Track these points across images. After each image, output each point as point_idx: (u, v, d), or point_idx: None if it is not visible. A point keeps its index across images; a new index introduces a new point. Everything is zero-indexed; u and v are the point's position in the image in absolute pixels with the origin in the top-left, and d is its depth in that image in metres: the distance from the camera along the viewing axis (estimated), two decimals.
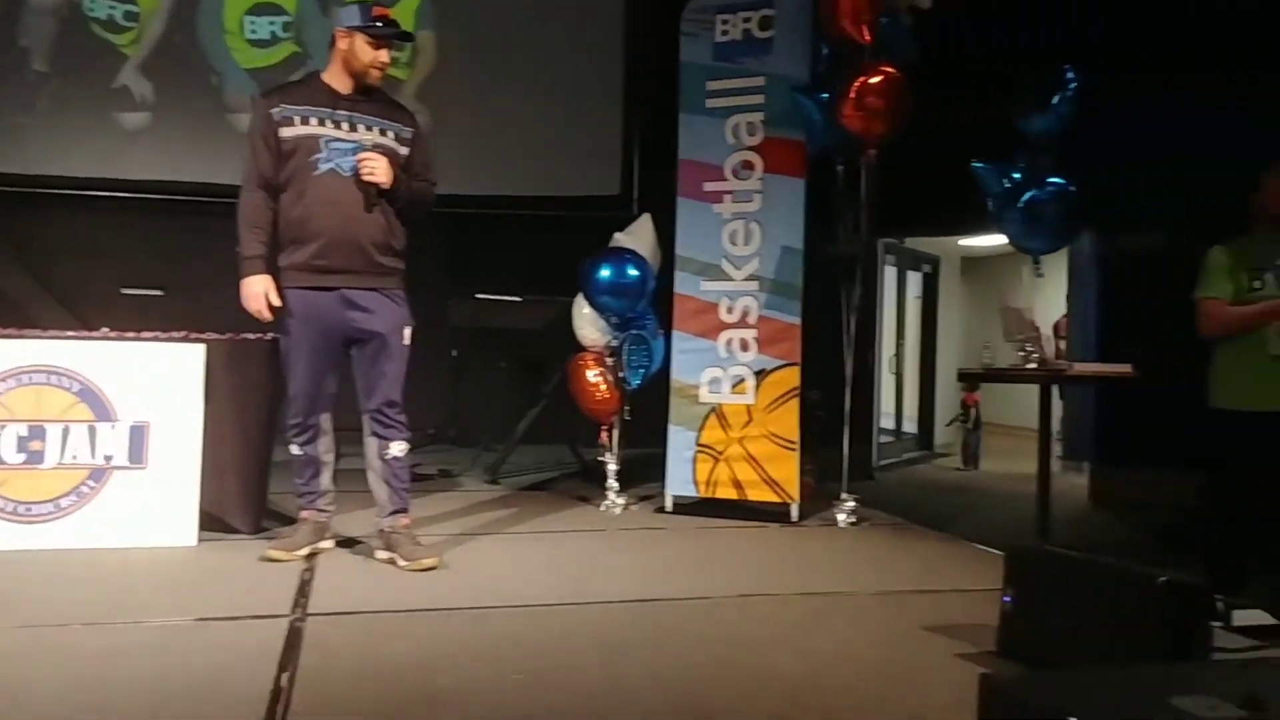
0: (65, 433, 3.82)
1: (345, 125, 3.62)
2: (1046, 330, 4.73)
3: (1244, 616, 3.21)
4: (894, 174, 4.74)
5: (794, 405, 4.77)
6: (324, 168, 3.59)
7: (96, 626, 2.95)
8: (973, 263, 11.41)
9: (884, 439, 8.66)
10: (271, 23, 7.09)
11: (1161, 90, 6.14)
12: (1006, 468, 8.40)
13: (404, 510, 3.76)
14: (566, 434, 6.06)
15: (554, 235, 6.88)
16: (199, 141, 6.81)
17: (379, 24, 3.61)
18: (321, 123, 3.61)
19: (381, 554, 3.75)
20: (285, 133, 3.59)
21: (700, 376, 4.94)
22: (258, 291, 3.62)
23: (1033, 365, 4.46)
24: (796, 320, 4.84)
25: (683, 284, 5.05)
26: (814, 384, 5.31)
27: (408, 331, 3.76)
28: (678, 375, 5.00)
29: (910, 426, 9.23)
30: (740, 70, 5.00)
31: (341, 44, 3.64)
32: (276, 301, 3.64)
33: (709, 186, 5.03)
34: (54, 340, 3.97)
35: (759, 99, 4.96)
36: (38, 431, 3.81)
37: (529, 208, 7.34)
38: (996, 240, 4.71)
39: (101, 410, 3.86)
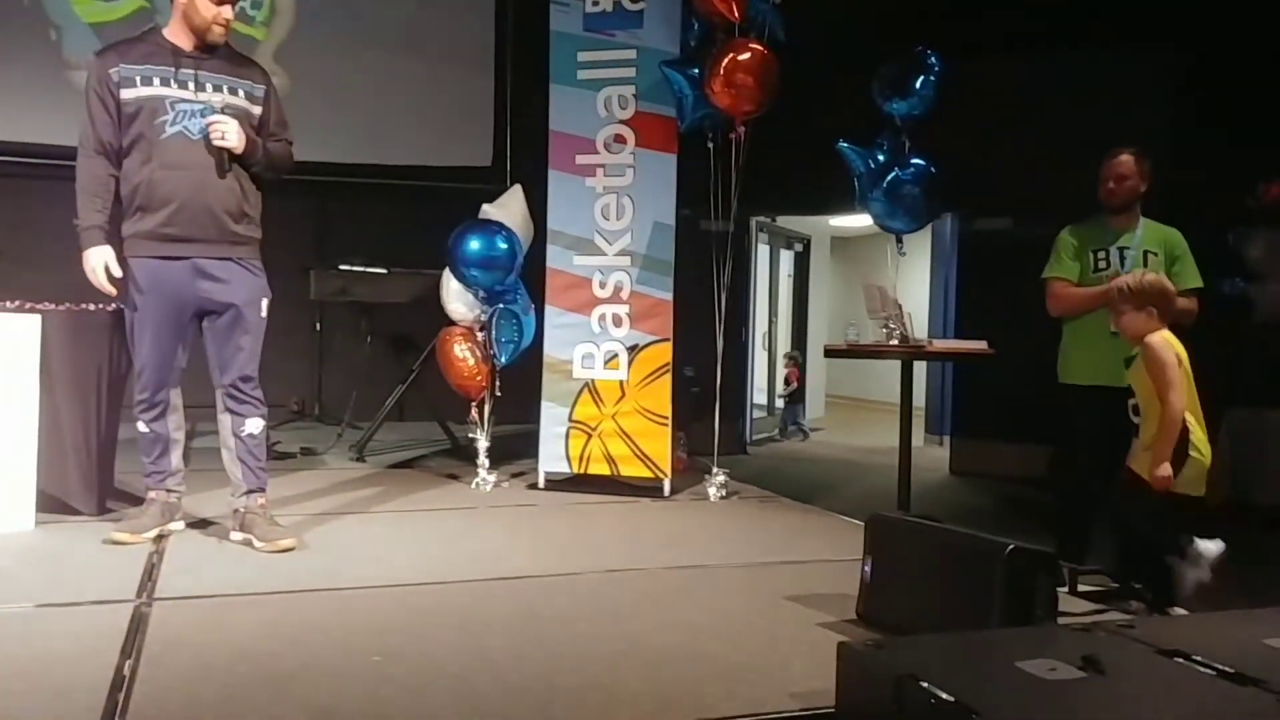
0: None
1: (191, 85, 3.43)
2: (910, 308, 4.86)
3: (1088, 582, 3.39)
4: (766, 153, 4.78)
5: (666, 381, 4.79)
6: (171, 131, 3.40)
7: None
8: (843, 242, 11.69)
9: (757, 414, 8.81)
10: None
11: (1022, 73, 6.41)
12: (872, 442, 8.67)
13: (261, 490, 3.61)
14: (435, 410, 5.94)
15: (423, 206, 6.71)
16: (35, 99, 6.34)
17: None
18: (166, 83, 3.41)
19: (236, 535, 3.59)
20: (126, 94, 3.38)
21: (573, 352, 4.90)
22: (96, 264, 3.44)
23: (895, 342, 4.58)
24: (669, 296, 4.84)
25: (555, 258, 4.98)
26: (687, 360, 5.34)
27: (264, 303, 3.59)
28: (550, 351, 4.95)
29: (782, 403, 9.41)
30: (612, 43, 4.95)
31: None
32: (118, 272, 3.45)
33: (581, 160, 4.97)
34: None
35: (630, 72, 4.92)
36: None
37: (396, 177, 7.13)
38: (865, 220, 4.80)
39: None
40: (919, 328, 5.51)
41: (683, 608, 3.07)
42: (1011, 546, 2.62)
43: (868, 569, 2.94)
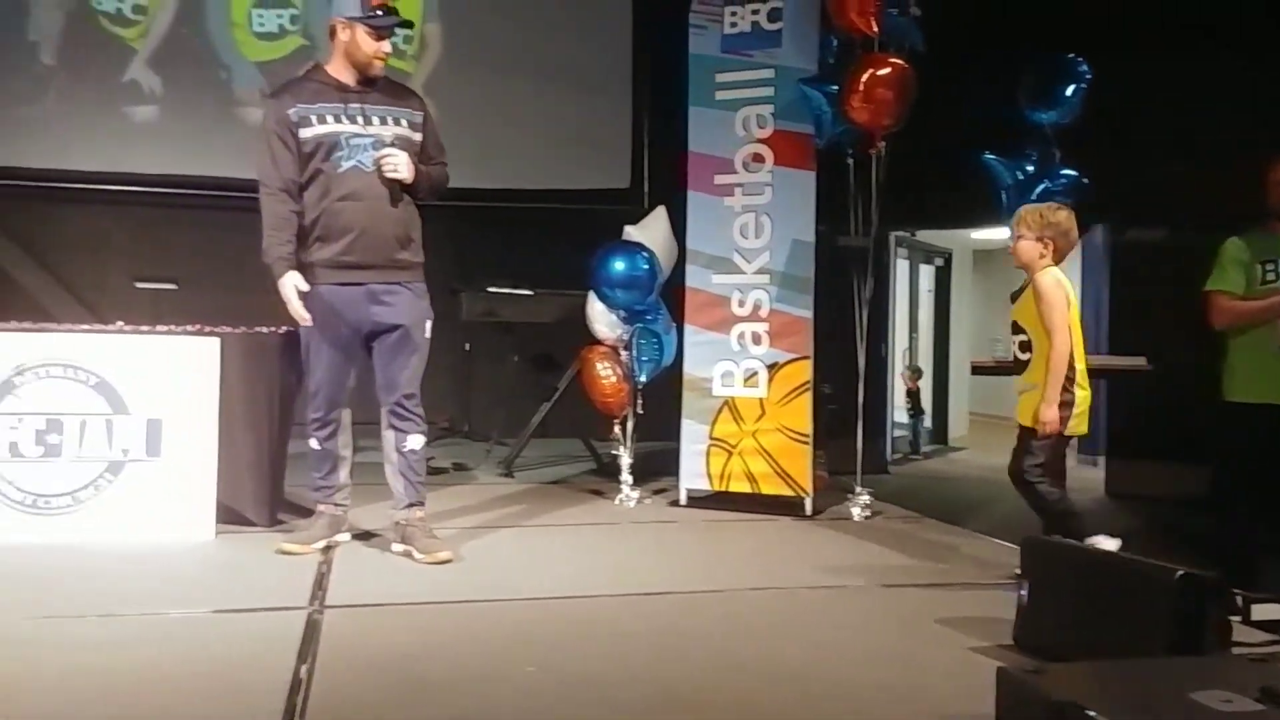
0: (83, 426, 3.85)
1: (360, 119, 3.62)
2: None
3: (1263, 611, 3.21)
4: (905, 166, 4.73)
5: (806, 399, 4.77)
6: (346, 166, 3.60)
7: (114, 618, 2.97)
8: (986, 255, 11.36)
9: (898, 432, 8.64)
10: (279, 15, 7.08)
11: (1174, 80, 6.13)
12: None
13: (420, 503, 3.77)
14: (579, 428, 6.07)
15: (566, 228, 6.87)
16: (208, 135, 6.80)
17: (378, 13, 3.58)
18: (338, 119, 3.60)
19: (397, 547, 3.77)
20: (305, 134, 3.58)
21: (712, 370, 4.95)
22: (290, 293, 3.57)
23: None
24: (808, 314, 4.83)
25: (693, 277, 5.04)
26: (827, 377, 5.30)
27: (428, 325, 3.78)
28: (690, 369, 5.00)
29: (925, 420, 9.20)
30: (749, 63, 4.99)
31: (342, 35, 3.61)
32: (305, 287, 3.58)
33: (719, 179, 5.02)
34: (70, 334, 4.01)
35: (768, 91, 4.95)
36: (55, 424, 3.83)
37: (538, 201, 7.33)
38: (1009, 232, 4.68)
39: (118, 403, 3.88)
40: None
41: (827, 628, 3.06)
42: (1181, 573, 2.51)
43: (1024, 593, 2.87)
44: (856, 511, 4.73)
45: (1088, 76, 4.37)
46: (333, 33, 3.64)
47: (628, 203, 7.22)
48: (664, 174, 6.94)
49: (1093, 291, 7.91)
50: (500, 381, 6.67)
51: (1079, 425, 3.51)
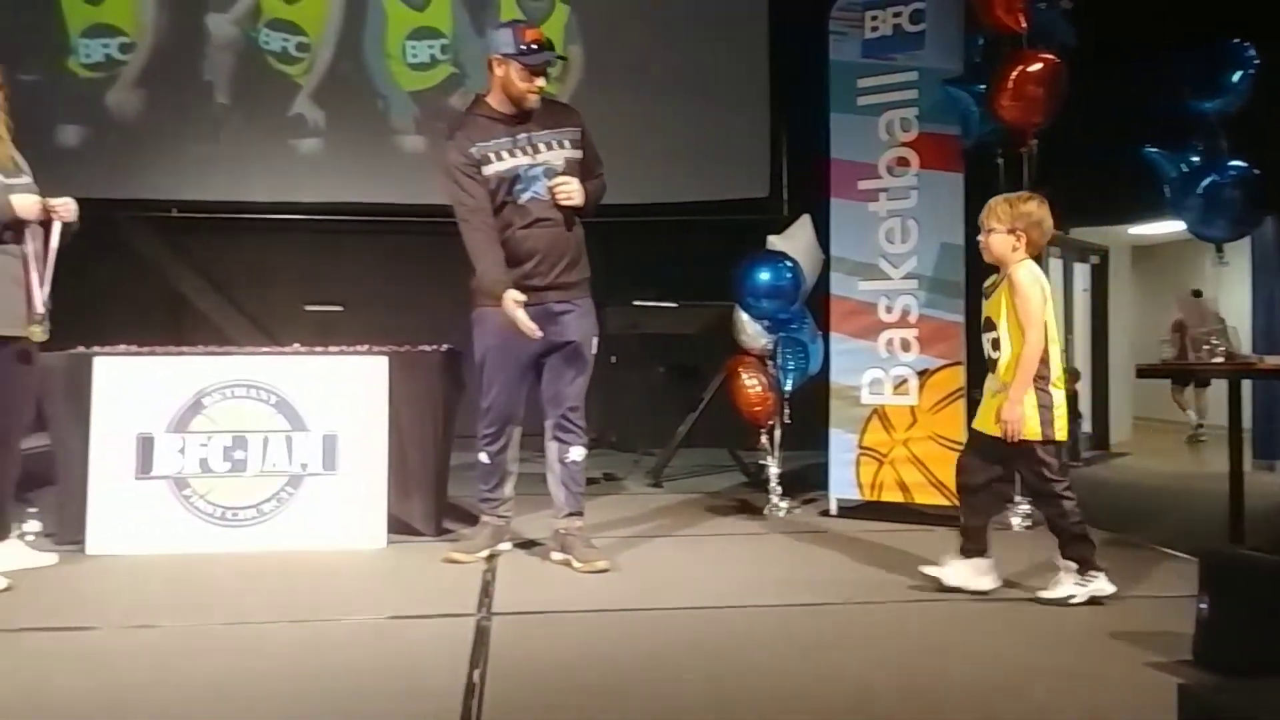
0: (265, 442, 4.12)
1: (529, 149, 3.76)
2: (1233, 322, 4.48)
3: None
4: (1058, 163, 4.59)
5: (960, 406, 4.68)
6: (525, 197, 3.76)
7: (299, 624, 3.17)
8: (1145, 252, 10.86)
9: None
10: (430, 46, 7.41)
11: None
12: (1182, 467, 7.98)
13: (579, 513, 3.89)
14: (726, 438, 6.10)
15: (707, 240, 6.95)
16: (369, 163, 7.19)
17: (532, 47, 3.69)
18: (512, 154, 3.75)
19: (556, 555, 3.88)
20: (488, 171, 3.74)
21: (860, 378, 4.90)
22: (516, 312, 3.61)
23: (1219, 359, 4.24)
24: (959, 318, 4.74)
25: (838, 285, 5.01)
26: (977, 384, 5.17)
27: (595, 340, 3.91)
28: (837, 377, 4.97)
29: (1084, 425, 8.84)
30: (892, 66, 4.93)
31: (498, 70, 3.75)
32: (522, 297, 3.66)
33: (863, 185, 4.98)
34: (252, 356, 4.30)
35: (912, 94, 4.88)
36: (240, 441, 4.12)
37: (680, 213, 7.41)
38: (1169, 228, 4.49)
39: (296, 421, 4.15)
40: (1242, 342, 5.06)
41: (992, 640, 3.00)
42: None
43: (1203, 606, 2.75)
44: (1016, 521, 4.60)
45: (1255, 62, 4.15)
46: (490, 67, 3.78)
47: (767, 212, 7.24)
48: (803, 182, 6.92)
49: (1265, 288, 7.46)
50: (646, 393, 6.77)
51: (1059, 429, 3.35)
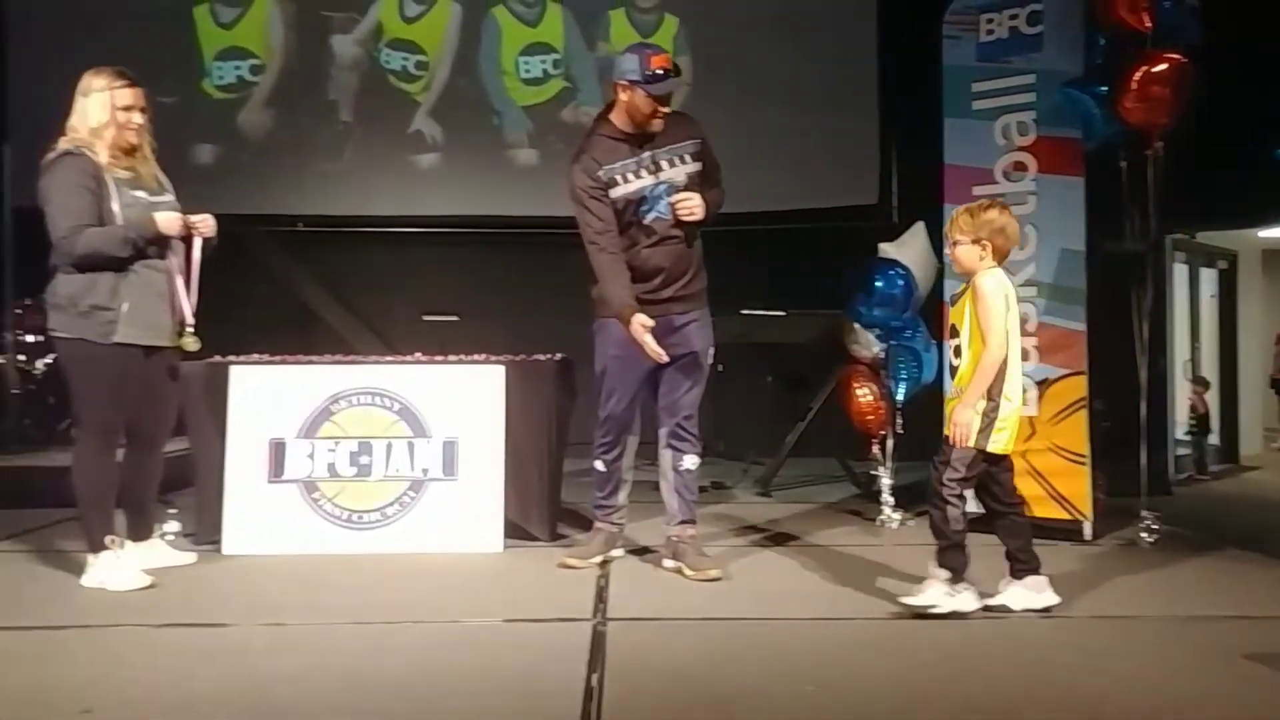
0: (389, 448, 4.28)
1: (653, 168, 3.82)
2: None
3: None
4: (1183, 166, 4.43)
5: (1082, 417, 4.54)
6: (650, 217, 3.83)
7: (421, 624, 3.28)
8: (1275, 256, 10.34)
9: (1181, 451, 8.00)
10: (543, 61, 7.57)
11: None
12: None
13: (691, 521, 3.93)
14: (836, 448, 6.05)
15: (816, 248, 6.91)
16: (484, 177, 7.39)
17: (658, 74, 3.72)
18: (637, 175, 3.82)
19: (669, 563, 3.92)
20: (615, 193, 3.82)
21: None
22: (644, 335, 3.69)
23: None
24: (1081, 326, 4.60)
25: (952, 292, 4.92)
26: (1100, 393, 5.03)
27: (711, 351, 3.95)
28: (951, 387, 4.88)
29: (1212, 438, 8.46)
30: (1008, 69, 4.83)
31: (622, 95, 3.78)
32: (651, 323, 3.73)
33: (978, 190, 4.86)
34: (376, 365, 4.46)
35: (1030, 97, 4.77)
36: (366, 447, 4.28)
37: (788, 221, 7.39)
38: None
39: (418, 427, 4.29)
40: None
41: (1124, 660, 2.92)
42: None
43: None
44: (1143, 536, 4.44)
45: None
46: (616, 89, 3.83)
47: (877, 219, 7.16)
48: (913, 188, 6.82)
49: None
50: (754, 402, 6.76)
51: (1001, 442, 3.28)
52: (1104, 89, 4.46)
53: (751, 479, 6.07)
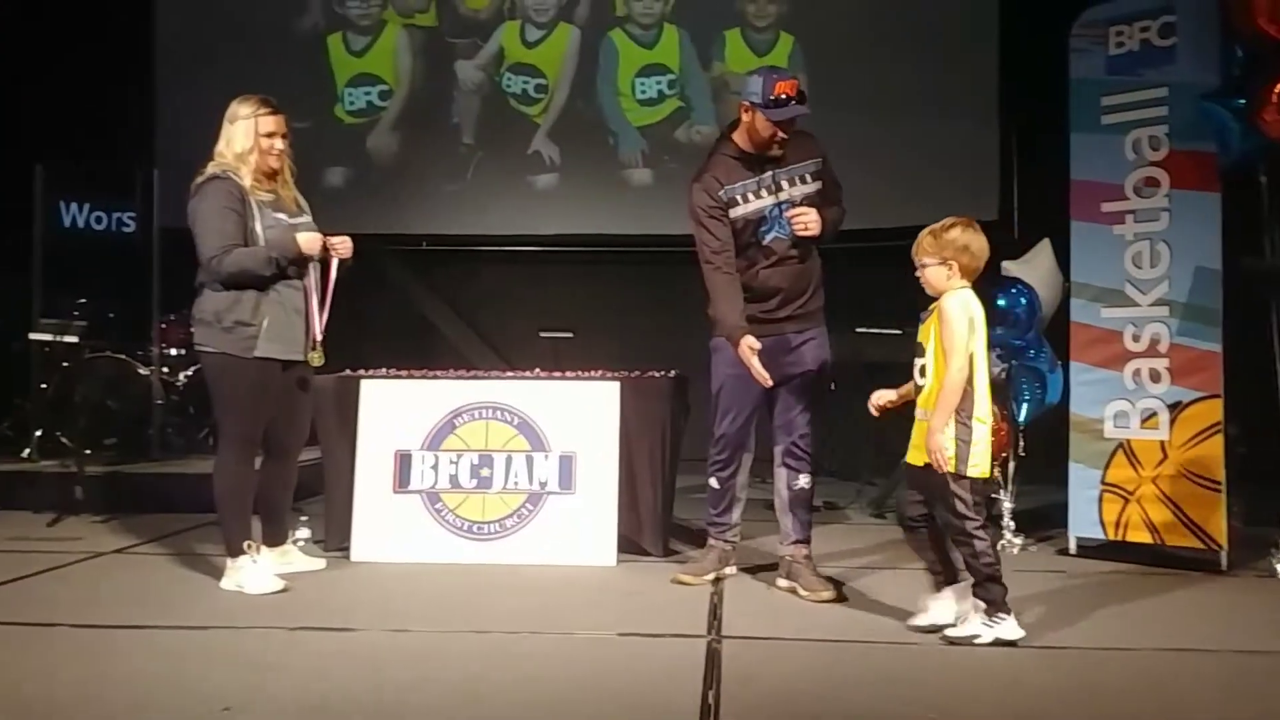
0: (508, 461, 4.39)
1: (773, 188, 3.86)
2: None
3: None
4: None
5: (1217, 441, 4.35)
6: (769, 237, 3.87)
7: (538, 635, 3.35)
8: None
9: None
10: (658, 82, 7.68)
11: None
12: None
13: (806, 541, 3.91)
14: None
15: None
16: (600, 197, 7.53)
17: (780, 99, 3.72)
18: (758, 195, 3.86)
19: (782, 582, 3.91)
20: (735, 213, 3.86)
21: (1104, 410, 4.65)
22: (751, 358, 3.70)
23: None
24: (1216, 347, 4.41)
25: (1079, 312, 4.78)
26: (1236, 417, 4.81)
27: (828, 369, 3.95)
28: (1078, 409, 4.74)
29: None
30: (1140, 82, 4.68)
31: (745, 116, 3.81)
32: (759, 345, 3.75)
33: (1107, 207, 4.74)
34: (496, 380, 4.59)
35: (1162, 111, 4.61)
36: (486, 460, 4.40)
37: (903, 239, 7.27)
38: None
39: (536, 441, 4.39)
40: None
41: (1257, 696, 2.78)
42: None
43: None
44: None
45: None
46: (740, 109, 3.86)
47: (997, 236, 6.98)
48: (1036, 204, 6.65)
49: None
50: (868, 422, 6.65)
51: (978, 466, 3.21)
52: (1241, 102, 4.29)
53: (865, 499, 5.99)
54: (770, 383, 3.74)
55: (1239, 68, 4.48)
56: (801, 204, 3.83)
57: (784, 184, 3.85)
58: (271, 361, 3.86)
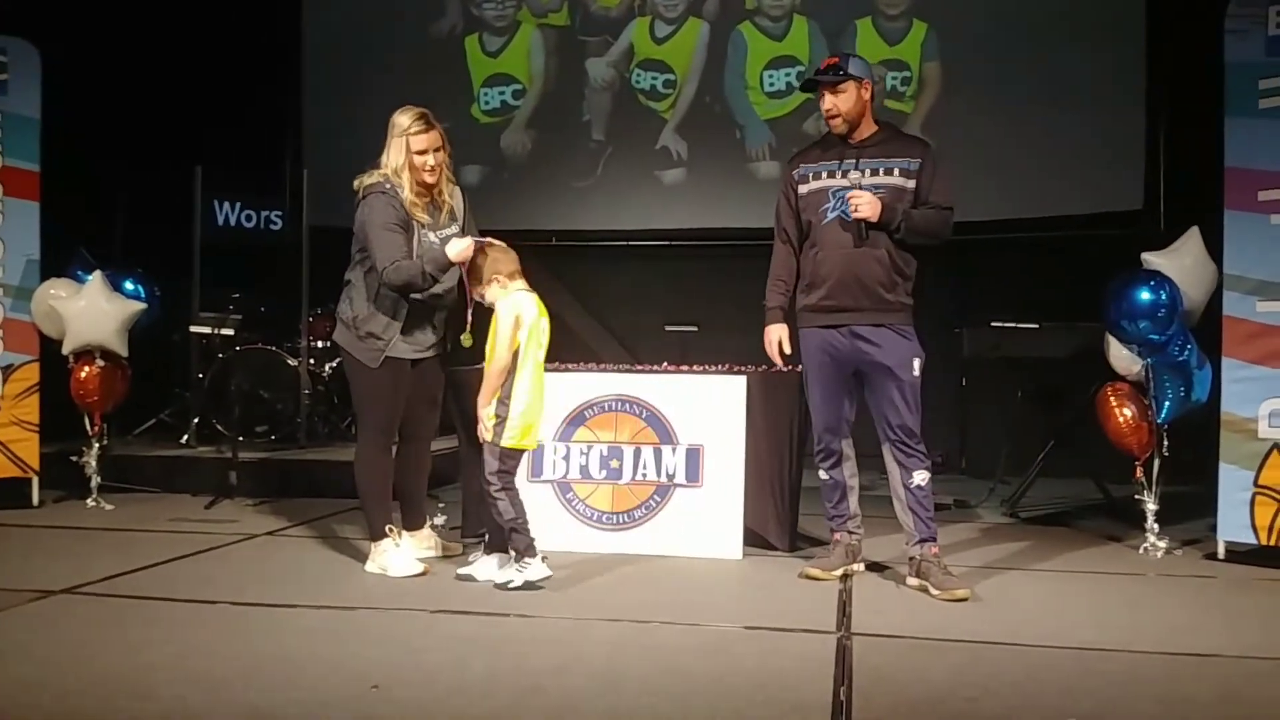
0: (637, 453, 4.46)
1: (851, 172, 3.85)
2: None
3: None
4: None
5: None
6: (830, 217, 3.86)
7: (668, 625, 3.39)
8: None
9: None
10: (786, 74, 7.62)
11: None
12: None
13: (932, 539, 3.85)
14: (1091, 469, 5.73)
15: (1073, 257, 6.57)
16: (726, 191, 7.53)
17: (819, 70, 3.89)
18: (831, 175, 3.89)
19: (912, 581, 3.87)
20: (802, 189, 3.94)
21: (1258, 409, 4.42)
22: (773, 340, 4.05)
23: None
24: None
25: (1233, 305, 4.55)
26: None
27: (917, 363, 3.87)
28: (1229, 407, 4.52)
29: None
30: None
31: (863, 94, 3.88)
32: (788, 350, 4.03)
33: (1264, 196, 4.49)
34: (625, 373, 4.67)
35: None
36: (615, 452, 4.48)
37: (1043, 229, 7.06)
38: None
39: (664, 434, 4.45)
40: None
41: None
42: None
43: None
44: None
45: None
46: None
47: (1142, 226, 6.71)
48: (1185, 193, 6.35)
49: None
50: (1003, 418, 6.50)
51: (516, 438, 3.85)
52: None
53: (998, 498, 5.84)
54: (780, 363, 4.05)
55: None
56: (883, 198, 3.77)
57: (867, 171, 3.83)
58: (400, 360, 4.05)
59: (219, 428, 6.54)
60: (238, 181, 7.24)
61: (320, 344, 6.97)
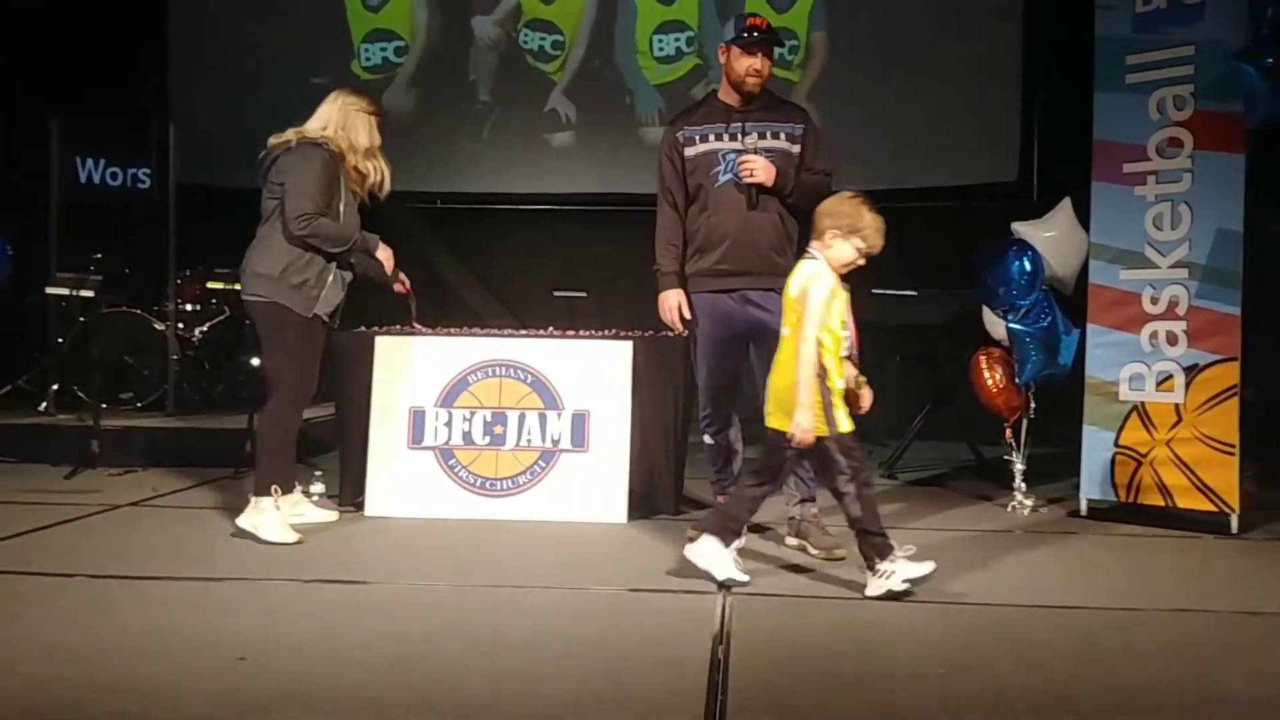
0: (521, 419, 4.40)
1: (739, 136, 3.86)
2: None
3: None
4: None
5: (1233, 405, 4.33)
6: (722, 179, 3.87)
7: (550, 589, 3.37)
8: None
9: None
10: (676, 39, 7.59)
11: None
12: None
13: (812, 499, 3.91)
14: (966, 431, 5.92)
15: (951, 226, 6.74)
16: (615, 156, 7.48)
17: (751, 32, 3.84)
18: (719, 138, 3.89)
19: (791, 541, 3.93)
20: (689, 152, 3.93)
21: (1119, 373, 4.63)
22: (672, 304, 4.01)
23: None
24: (1235, 310, 4.37)
25: (1098, 273, 4.74)
26: (1252, 381, 4.78)
27: None
28: (1093, 371, 4.72)
29: None
30: (1165, 41, 4.61)
31: (722, 58, 3.93)
32: (688, 315, 3.99)
33: (1129, 168, 4.68)
34: (510, 338, 4.59)
35: (1188, 70, 4.54)
36: (500, 417, 4.42)
37: (921, 199, 7.22)
38: None
39: (550, 399, 4.40)
40: None
41: (1275, 659, 2.79)
42: None
43: None
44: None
45: None
46: (720, 58, 3.95)
47: (1016, 197, 6.94)
48: (1057, 165, 6.58)
49: None
50: (882, 383, 6.63)
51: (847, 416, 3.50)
52: (1270, 61, 4.22)
53: (877, 461, 5.99)
54: (680, 327, 3.98)
55: (1269, 26, 4.40)
56: (773, 161, 3.81)
57: (754, 135, 3.85)
58: (318, 318, 4.00)
59: (80, 394, 6.22)
60: (102, 137, 6.85)
61: (190, 307, 6.68)
